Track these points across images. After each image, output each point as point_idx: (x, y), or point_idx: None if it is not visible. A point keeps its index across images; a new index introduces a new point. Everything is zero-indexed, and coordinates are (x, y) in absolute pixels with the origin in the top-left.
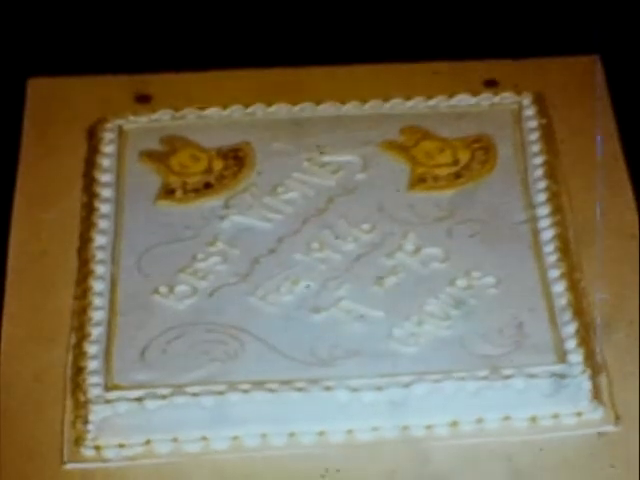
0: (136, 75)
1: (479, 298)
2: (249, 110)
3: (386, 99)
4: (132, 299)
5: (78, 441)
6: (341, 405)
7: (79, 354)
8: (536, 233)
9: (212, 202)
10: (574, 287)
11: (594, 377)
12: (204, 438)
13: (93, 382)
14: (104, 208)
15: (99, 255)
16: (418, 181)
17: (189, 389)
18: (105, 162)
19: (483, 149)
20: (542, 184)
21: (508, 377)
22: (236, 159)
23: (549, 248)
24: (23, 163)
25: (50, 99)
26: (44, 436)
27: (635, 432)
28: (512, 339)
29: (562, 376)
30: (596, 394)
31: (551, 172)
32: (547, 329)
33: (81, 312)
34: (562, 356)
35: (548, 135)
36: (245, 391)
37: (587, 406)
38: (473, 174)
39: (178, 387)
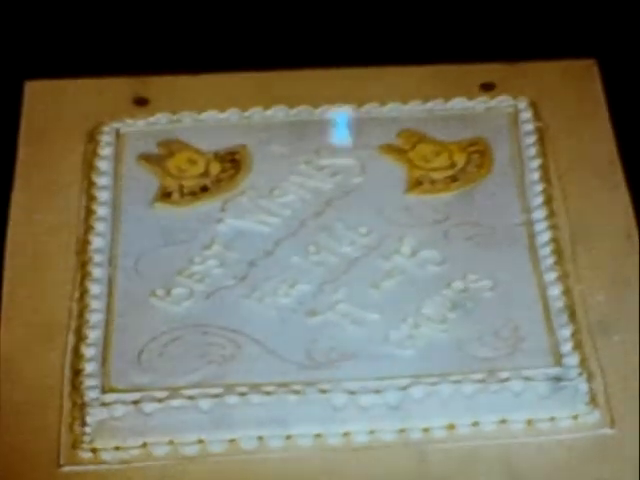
0: (133, 78)
1: (475, 301)
2: (246, 113)
3: (383, 102)
4: (129, 302)
5: (75, 444)
6: (338, 408)
7: (76, 357)
8: (532, 236)
9: (209, 205)
10: (570, 290)
11: (590, 380)
12: (201, 441)
13: (90, 385)
14: (101, 211)
15: (96, 258)
16: (415, 184)
17: (186, 392)
18: (102, 165)
19: (479, 152)
20: (538, 187)
21: (504, 380)
22: (233, 162)
23: (545, 251)
24: (20, 166)
25: (47, 102)
26: (41, 438)
27: (631, 435)
28: (508, 342)
29: (558, 379)
30: (592, 397)
31: (547, 175)
32: (543, 332)
33: (78, 315)
34: (558, 359)
35: (544, 138)
36: (242, 394)
37: (583, 409)
38: (469, 177)
39: (175, 390)
